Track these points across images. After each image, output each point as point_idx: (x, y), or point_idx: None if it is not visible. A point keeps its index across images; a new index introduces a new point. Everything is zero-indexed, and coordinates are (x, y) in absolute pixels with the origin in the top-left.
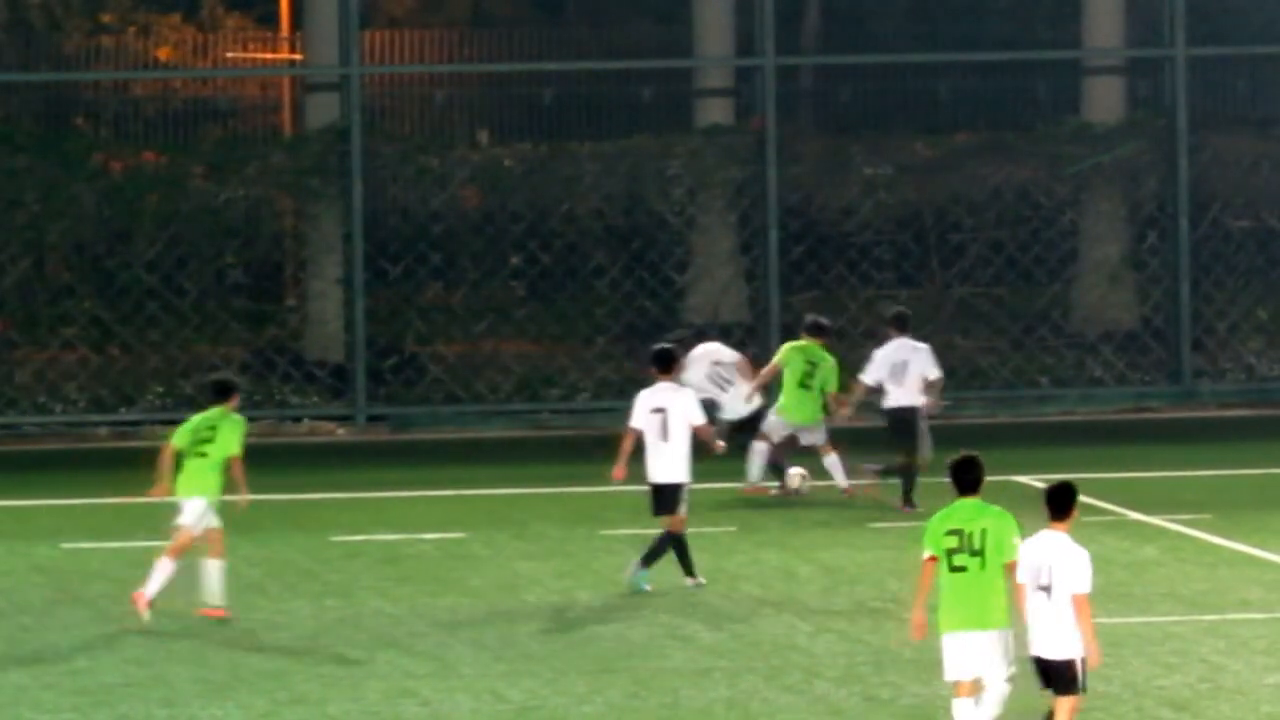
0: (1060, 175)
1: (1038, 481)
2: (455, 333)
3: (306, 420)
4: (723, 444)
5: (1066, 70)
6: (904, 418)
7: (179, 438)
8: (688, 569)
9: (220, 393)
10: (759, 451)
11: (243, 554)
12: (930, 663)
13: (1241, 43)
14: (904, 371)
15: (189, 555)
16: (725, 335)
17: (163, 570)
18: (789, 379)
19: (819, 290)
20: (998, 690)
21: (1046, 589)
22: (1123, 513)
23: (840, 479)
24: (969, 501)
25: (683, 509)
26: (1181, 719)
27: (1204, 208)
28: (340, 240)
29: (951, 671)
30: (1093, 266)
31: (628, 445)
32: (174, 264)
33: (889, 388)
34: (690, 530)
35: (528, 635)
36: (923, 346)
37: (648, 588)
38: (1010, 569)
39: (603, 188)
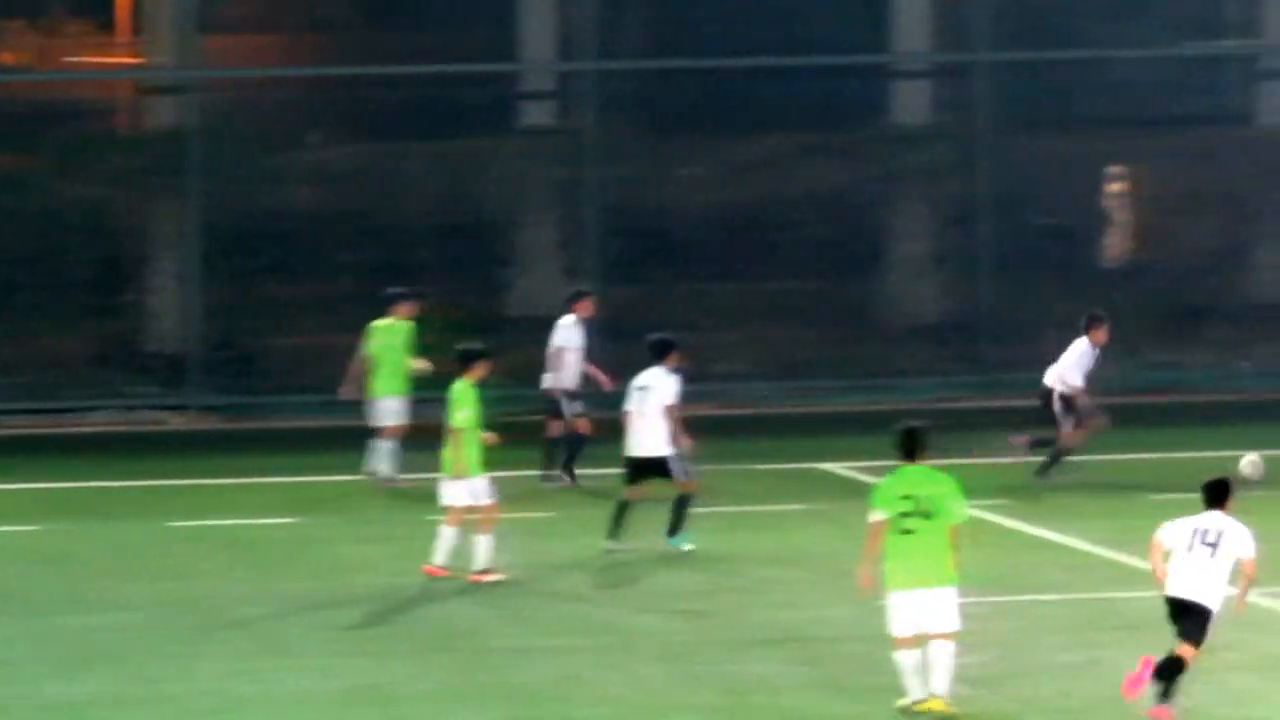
0: (870, 175)
1: (844, 469)
2: (289, 326)
3: (144, 410)
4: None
5: (877, 74)
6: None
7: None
8: (614, 531)
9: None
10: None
11: (82, 538)
12: (747, 641)
13: (1044, 48)
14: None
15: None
16: (546, 329)
17: None
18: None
19: (639, 285)
20: (948, 650)
21: (1213, 545)
22: None
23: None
24: (917, 467)
25: (683, 475)
26: (979, 695)
27: (1006, 206)
28: (179, 238)
29: (899, 627)
30: (900, 263)
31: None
32: (16, 260)
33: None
34: (517, 514)
35: (359, 616)
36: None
37: (689, 547)
38: (956, 531)
39: (429, 187)
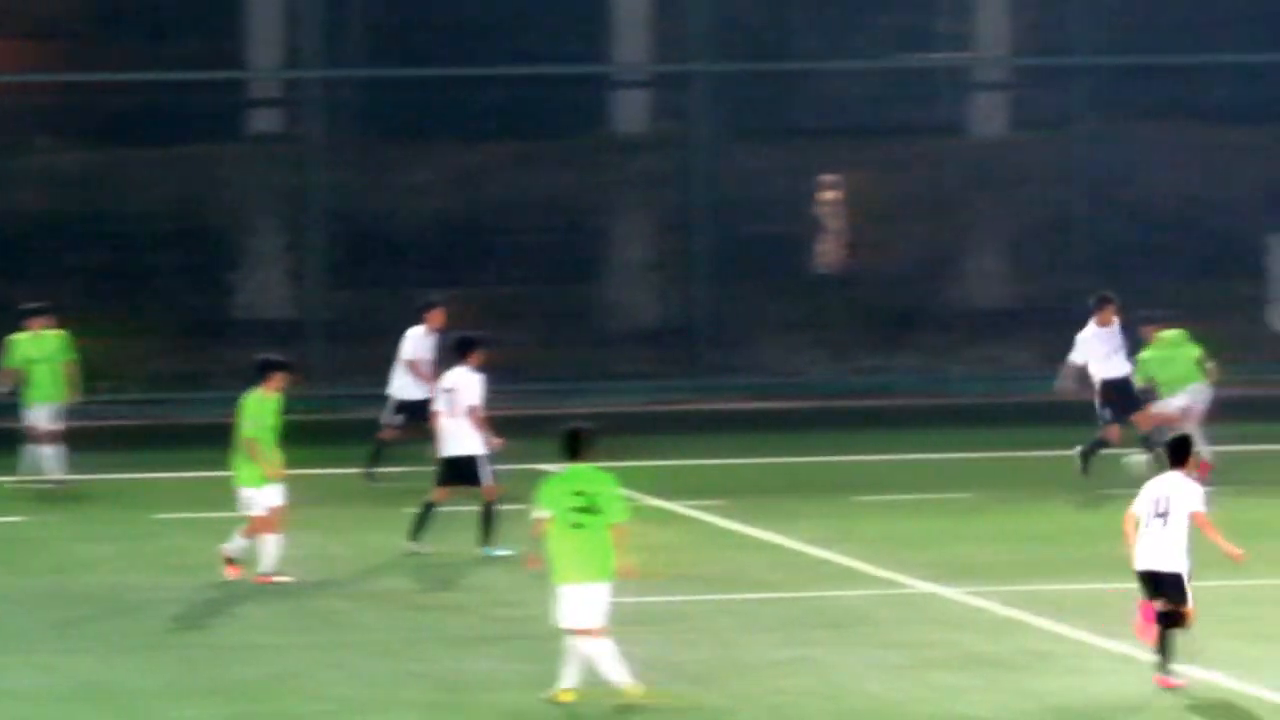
0: (589, 183)
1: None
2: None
3: None
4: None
5: (597, 83)
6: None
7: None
8: (416, 533)
9: None
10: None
11: None
12: (468, 638)
13: (761, 59)
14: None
15: None
16: (270, 331)
17: None
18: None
19: (360, 289)
20: (606, 646)
21: (1164, 515)
22: (641, 499)
23: None
24: (583, 466)
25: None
26: (695, 692)
27: (723, 213)
28: None
29: (569, 620)
30: (619, 268)
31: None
32: None
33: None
34: (234, 515)
35: (85, 614)
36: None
37: (505, 552)
38: (620, 529)
39: (157, 192)
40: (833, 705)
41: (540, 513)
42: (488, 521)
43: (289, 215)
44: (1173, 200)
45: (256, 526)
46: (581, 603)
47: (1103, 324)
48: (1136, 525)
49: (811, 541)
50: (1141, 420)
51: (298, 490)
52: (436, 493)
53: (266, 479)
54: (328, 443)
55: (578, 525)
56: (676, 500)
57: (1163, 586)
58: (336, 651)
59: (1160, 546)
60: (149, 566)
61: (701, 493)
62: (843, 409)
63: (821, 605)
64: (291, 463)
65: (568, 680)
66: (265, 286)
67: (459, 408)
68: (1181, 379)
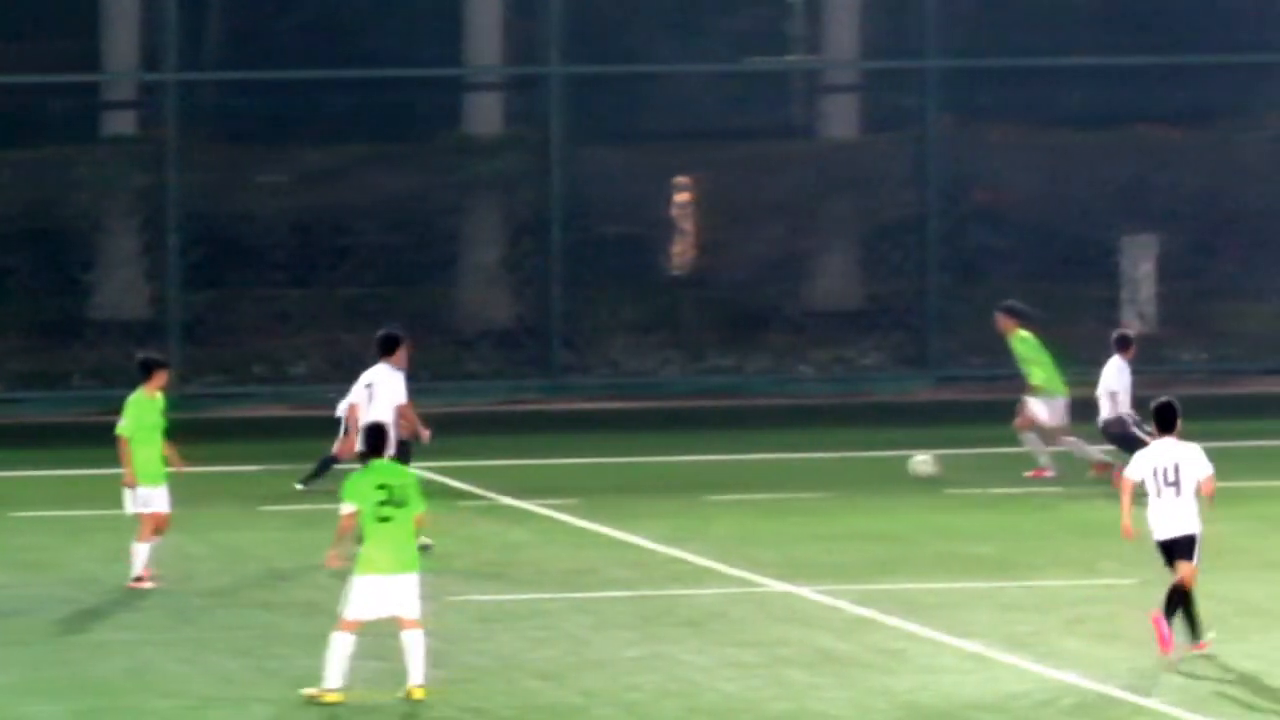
0: (443, 184)
1: (419, 470)
2: None
3: None
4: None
5: (450, 86)
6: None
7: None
8: None
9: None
10: None
11: None
12: (321, 635)
13: (614, 62)
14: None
15: None
16: (127, 331)
17: None
18: None
19: (217, 289)
20: (421, 637)
21: (1175, 483)
22: (495, 498)
23: None
24: (383, 462)
25: None
26: (549, 690)
27: (576, 215)
28: None
29: (357, 610)
30: (472, 269)
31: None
32: None
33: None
34: (91, 513)
35: None
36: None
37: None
38: (420, 519)
39: (14, 194)
40: (687, 703)
41: (347, 508)
42: None
43: (145, 216)
44: (1025, 202)
45: (152, 526)
46: (377, 594)
47: (1126, 359)
48: (1135, 492)
49: (665, 540)
50: (1022, 424)
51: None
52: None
53: (147, 478)
54: (184, 442)
55: (385, 519)
56: (530, 499)
57: (1177, 549)
58: (192, 649)
59: (1178, 514)
60: (4, 564)
61: (555, 492)
62: (695, 409)
63: (675, 604)
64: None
65: (334, 680)
66: (122, 287)
67: (381, 403)
68: (1055, 383)
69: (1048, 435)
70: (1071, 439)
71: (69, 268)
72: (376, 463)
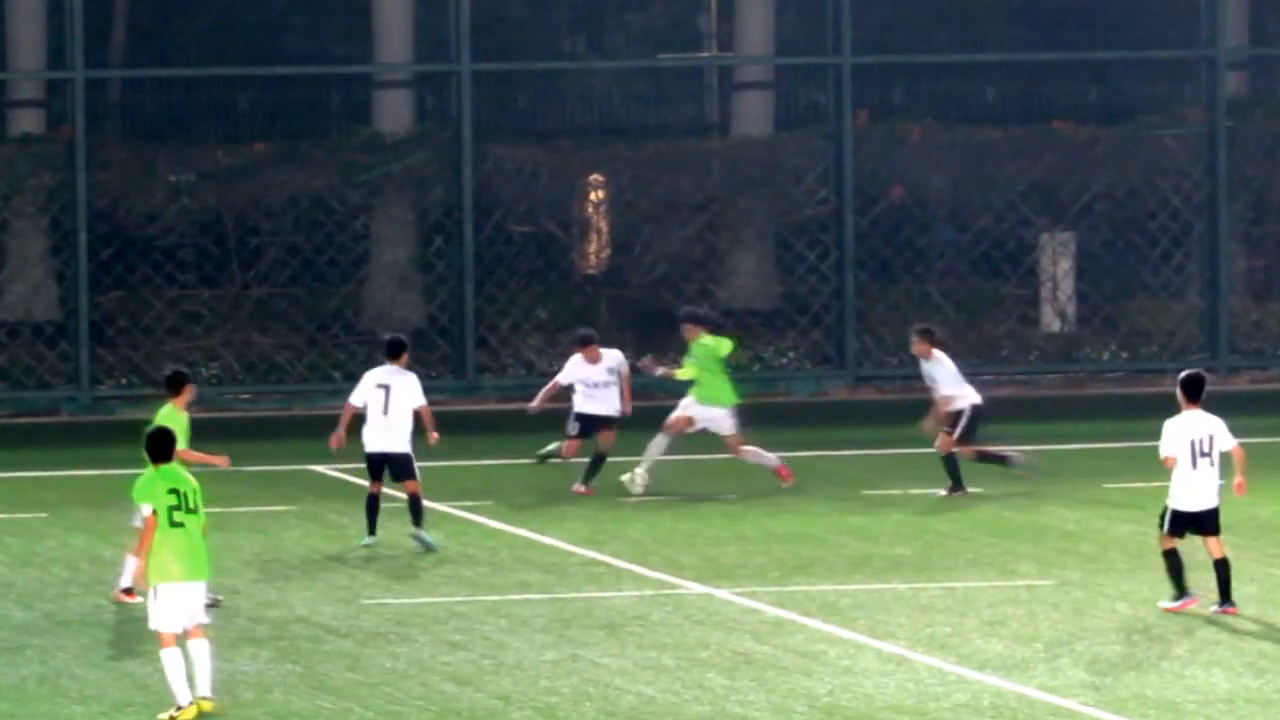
0: (352, 183)
1: (330, 471)
2: None
3: None
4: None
5: (359, 83)
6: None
7: None
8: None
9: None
10: None
11: None
12: (235, 640)
13: (525, 59)
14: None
15: None
16: (36, 332)
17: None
18: None
19: (126, 290)
20: (209, 648)
21: (1208, 455)
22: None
23: None
24: (170, 467)
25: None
26: (466, 694)
27: (487, 214)
28: None
29: (169, 622)
30: (383, 268)
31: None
32: None
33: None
34: (3, 516)
35: None
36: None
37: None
38: (205, 527)
39: None
40: (605, 706)
41: (145, 510)
42: (418, 509)
43: (51, 216)
44: (941, 200)
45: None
46: (182, 603)
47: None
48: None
49: (580, 542)
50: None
51: (64, 491)
52: (372, 485)
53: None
54: (93, 444)
55: (178, 524)
56: (443, 501)
57: (1204, 522)
58: (105, 653)
59: (1209, 486)
60: None
61: (468, 493)
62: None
63: (592, 606)
64: (57, 464)
65: (183, 696)
66: (29, 288)
67: (395, 404)
68: (720, 394)
69: (731, 447)
70: (749, 448)
71: None
72: (164, 468)
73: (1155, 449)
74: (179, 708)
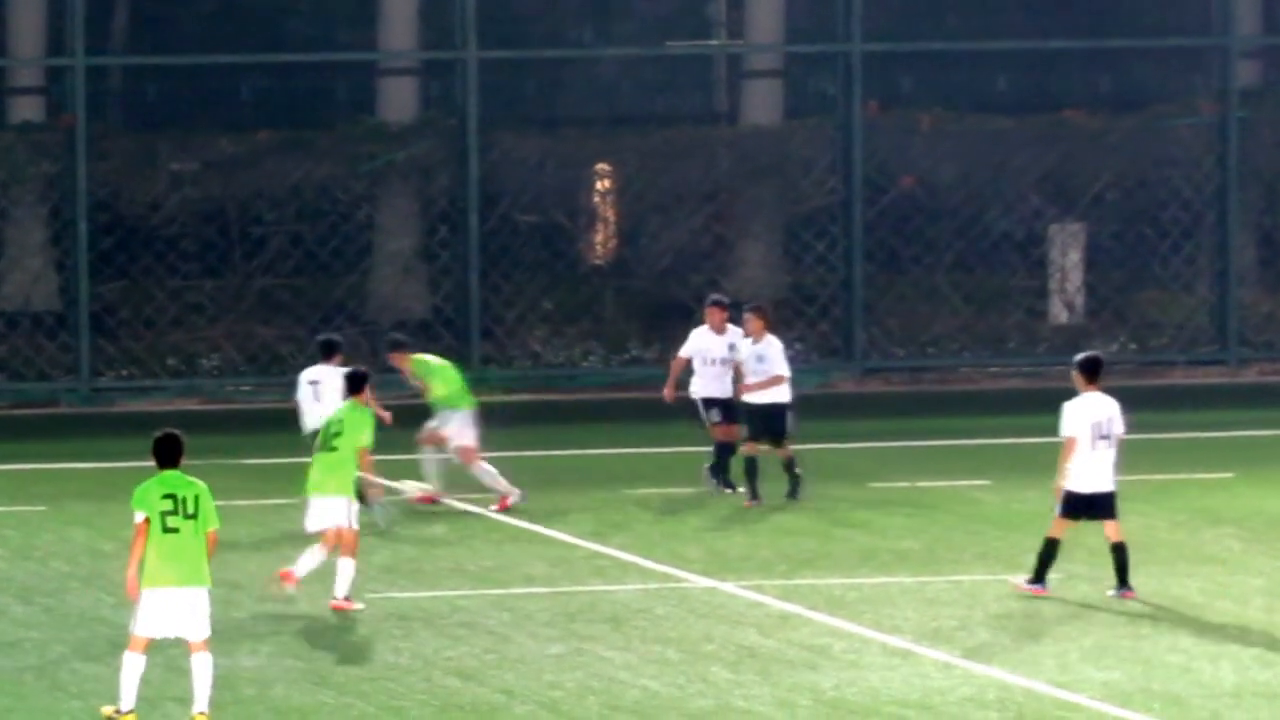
0: (357, 172)
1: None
2: None
3: None
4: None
5: (364, 71)
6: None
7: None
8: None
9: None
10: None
11: None
12: (237, 635)
13: (532, 47)
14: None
15: None
16: (37, 324)
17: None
18: None
19: (127, 280)
20: (209, 663)
21: (1107, 438)
22: (412, 493)
23: None
24: (173, 472)
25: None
26: (469, 688)
27: (493, 203)
28: None
29: (146, 626)
30: (387, 259)
31: None
32: None
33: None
34: (2, 509)
35: None
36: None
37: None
38: (213, 537)
39: None
40: (609, 700)
41: (137, 516)
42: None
43: (51, 204)
44: (951, 190)
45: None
46: (166, 608)
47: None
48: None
49: (586, 535)
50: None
51: (63, 484)
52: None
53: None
54: (94, 436)
55: (172, 529)
56: (448, 494)
57: (1099, 505)
58: (103, 647)
59: (1105, 469)
60: None
61: (473, 486)
62: (616, 401)
63: (597, 600)
64: (56, 456)
65: (128, 701)
66: (29, 278)
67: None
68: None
69: (464, 454)
70: (483, 465)
71: None
72: (164, 474)
73: (1165, 441)
74: (119, 711)
